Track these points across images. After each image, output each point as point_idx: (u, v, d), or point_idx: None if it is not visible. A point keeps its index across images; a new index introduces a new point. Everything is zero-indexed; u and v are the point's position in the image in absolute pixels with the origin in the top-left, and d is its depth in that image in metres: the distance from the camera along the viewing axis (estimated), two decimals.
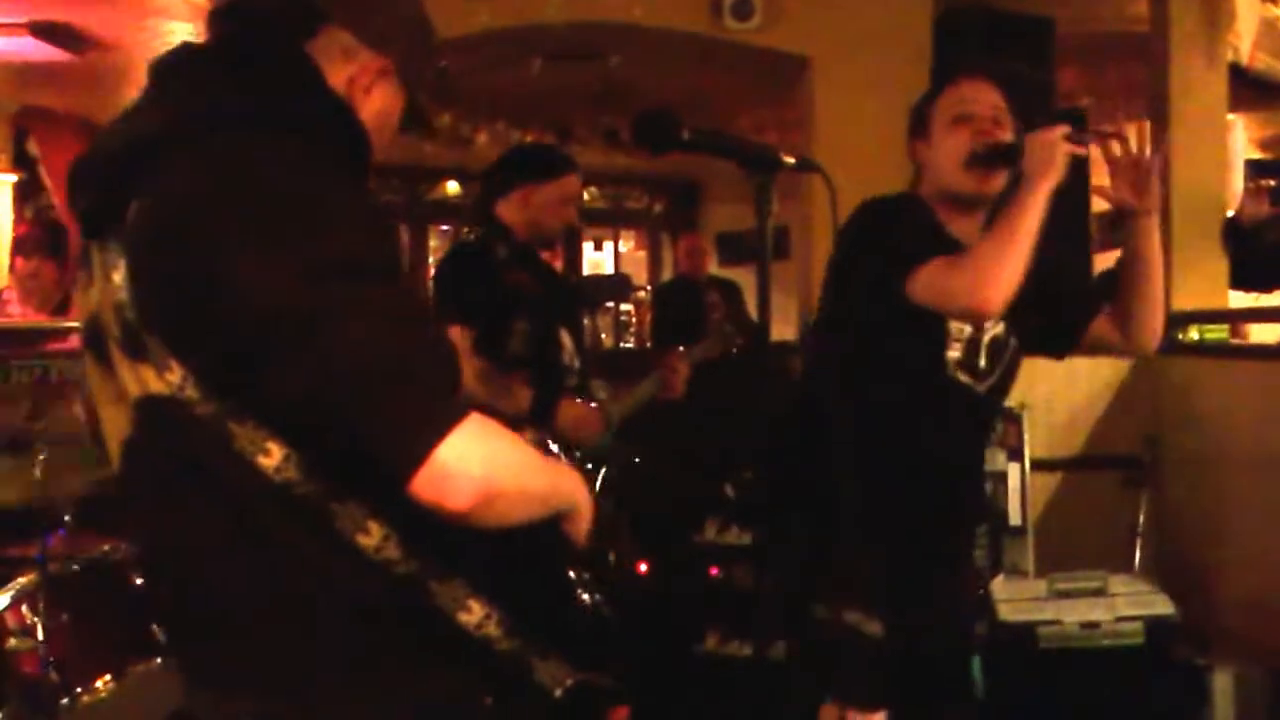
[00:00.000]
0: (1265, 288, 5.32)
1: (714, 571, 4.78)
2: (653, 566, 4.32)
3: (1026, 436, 4.32)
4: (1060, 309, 2.56)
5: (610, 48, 6.21)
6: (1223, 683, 3.61)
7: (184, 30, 6.30)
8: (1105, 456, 4.44)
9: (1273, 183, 5.24)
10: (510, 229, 3.18)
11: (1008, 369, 2.51)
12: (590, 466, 3.11)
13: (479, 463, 1.24)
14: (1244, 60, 4.78)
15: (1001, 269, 2.20)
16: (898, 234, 2.36)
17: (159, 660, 2.87)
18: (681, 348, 3.59)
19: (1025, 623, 3.57)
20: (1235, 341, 4.87)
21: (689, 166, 10.08)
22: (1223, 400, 4.12)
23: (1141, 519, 4.25)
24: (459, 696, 1.40)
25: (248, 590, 1.34)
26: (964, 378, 2.44)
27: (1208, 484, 4.13)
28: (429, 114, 1.54)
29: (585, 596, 1.53)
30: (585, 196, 11.59)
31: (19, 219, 7.81)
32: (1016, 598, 3.66)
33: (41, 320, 4.87)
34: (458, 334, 2.98)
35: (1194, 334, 4.57)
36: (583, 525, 1.44)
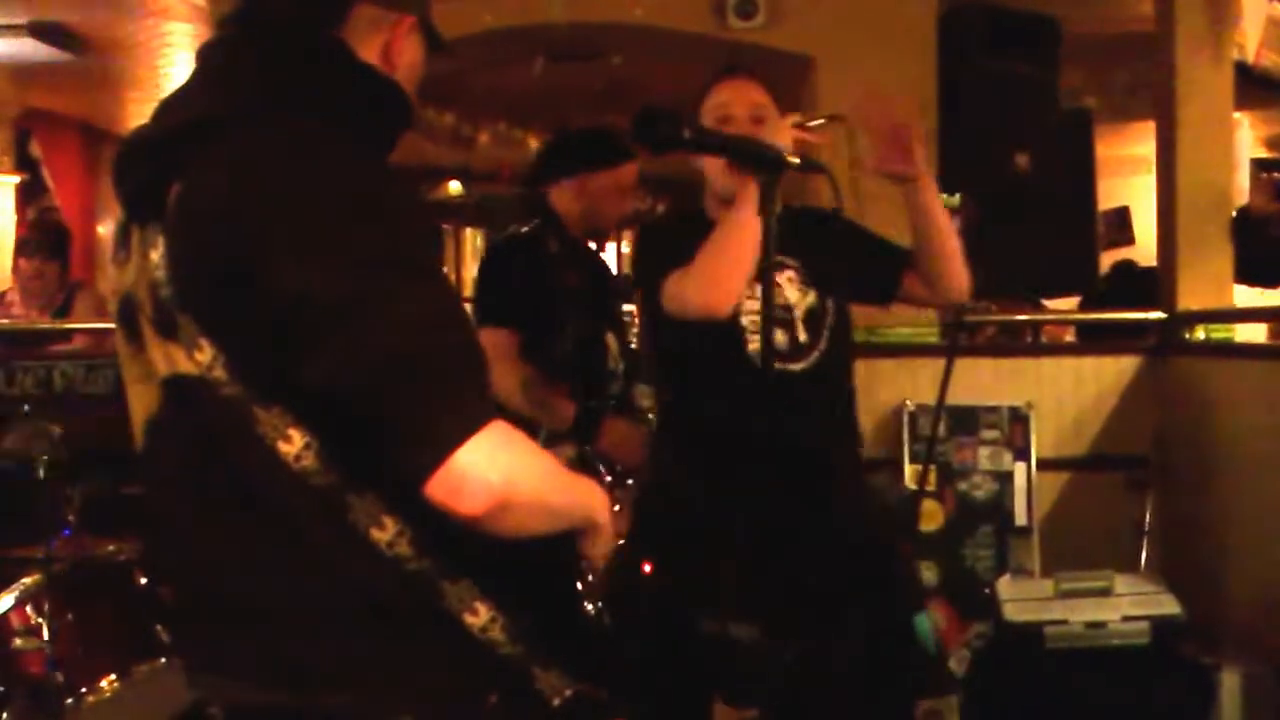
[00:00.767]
0: (1270, 283, 5.32)
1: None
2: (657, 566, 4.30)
3: (1033, 436, 4.33)
4: (870, 266, 2.62)
5: (613, 48, 6.21)
6: (1230, 682, 3.60)
7: (184, 31, 6.30)
8: (1112, 456, 4.43)
9: (1278, 176, 5.24)
10: (563, 220, 3.02)
11: (835, 333, 2.55)
12: (630, 481, 2.92)
13: (497, 470, 1.24)
14: (1250, 58, 4.77)
15: (719, 270, 2.29)
16: (650, 255, 2.53)
17: (164, 660, 2.88)
18: None
19: (1031, 622, 3.55)
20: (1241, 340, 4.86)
21: (693, 166, 10.06)
22: (1229, 399, 4.11)
23: (1148, 519, 4.25)
24: (463, 695, 1.40)
25: (257, 576, 1.35)
26: (779, 364, 2.44)
27: (1215, 483, 4.12)
28: (443, 40, 1.57)
29: (589, 607, 1.53)
30: None
31: (21, 220, 7.82)
32: (1022, 597, 3.65)
33: (44, 322, 4.88)
34: (503, 336, 2.86)
35: (1200, 333, 4.56)
36: (601, 546, 1.45)
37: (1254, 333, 4.87)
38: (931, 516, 4.26)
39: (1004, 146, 4.42)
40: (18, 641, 2.85)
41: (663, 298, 2.38)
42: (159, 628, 2.94)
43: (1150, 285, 4.90)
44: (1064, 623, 3.54)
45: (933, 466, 4.14)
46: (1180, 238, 4.57)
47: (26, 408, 3.60)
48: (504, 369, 2.76)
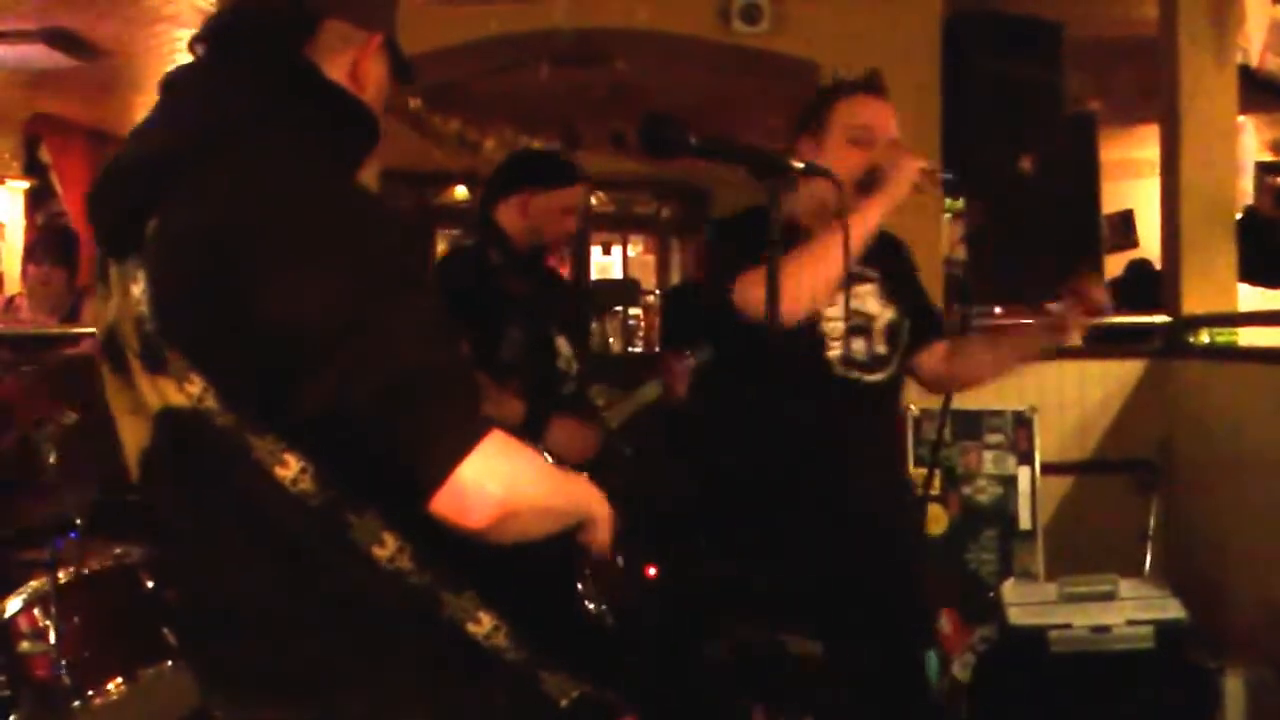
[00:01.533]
0: (1275, 284, 5.31)
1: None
2: (661, 570, 4.31)
3: (1037, 440, 4.33)
4: (920, 318, 2.65)
5: (617, 53, 6.21)
6: (1235, 686, 3.59)
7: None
8: (1116, 460, 4.43)
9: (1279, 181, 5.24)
10: (508, 234, 3.11)
11: (905, 352, 2.59)
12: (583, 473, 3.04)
13: (499, 481, 1.26)
14: (1254, 62, 4.75)
15: (802, 281, 2.24)
16: (723, 252, 2.45)
17: (170, 663, 2.88)
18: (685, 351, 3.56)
19: (1035, 626, 3.55)
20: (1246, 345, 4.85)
21: (697, 171, 10.07)
22: (1234, 403, 4.11)
23: (1152, 522, 4.24)
24: (469, 702, 1.41)
25: (264, 598, 1.36)
26: (856, 374, 2.47)
27: (1219, 487, 4.11)
28: (409, 64, 1.55)
29: (592, 608, 1.54)
30: (593, 201, 11.61)
31: (30, 225, 7.85)
32: (1026, 601, 3.64)
33: (52, 326, 4.89)
34: None
35: (1204, 337, 4.55)
36: (602, 534, 1.46)
37: (1258, 336, 4.86)
38: (936, 521, 4.27)
39: (1008, 150, 4.43)
40: (25, 644, 2.86)
41: (733, 295, 2.35)
42: (165, 630, 2.95)
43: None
44: (1068, 627, 3.53)
45: (937, 470, 4.15)
46: (1184, 241, 4.57)
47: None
48: None
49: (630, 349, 9.58)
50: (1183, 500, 4.30)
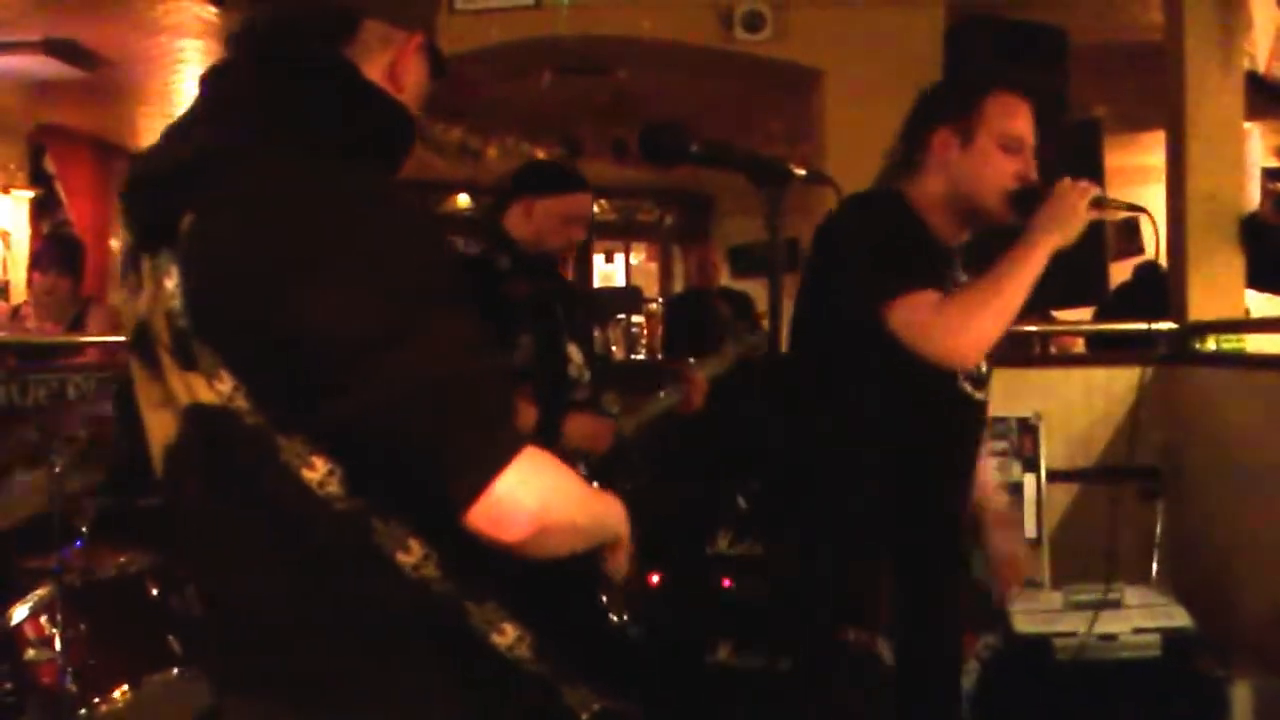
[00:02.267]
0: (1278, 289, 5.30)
1: (726, 583, 4.76)
2: (664, 578, 4.30)
3: (1042, 447, 4.31)
4: None
5: (620, 61, 6.22)
6: (1242, 695, 3.57)
7: (197, 47, 6.33)
8: (1122, 467, 4.40)
9: None
10: (515, 240, 3.12)
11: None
12: (596, 484, 3.03)
13: (535, 496, 1.26)
14: (1260, 68, 4.76)
15: (987, 321, 2.17)
16: (890, 250, 2.27)
17: (176, 670, 2.89)
18: (692, 360, 3.56)
19: (1040, 635, 3.53)
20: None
21: (700, 179, 10.09)
22: (1240, 410, 4.10)
23: (1159, 530, 4.22)
24: (491, 713, 1.40)
25: (285, 600, 1.35)
26: (968, 388, 2.42)
27: (1226, 494, 4.10)
28: (446, 62, 1.53)
29: (616, 620, 1.54)
30: (596, 209, 11.61)
31: (36, 235, 7.87)
32: (1031, 609, 3.62)
33: (58, 335, 4.90)
34: None
35: (1211, 344, 4.54)
36: (623, 556, 1.45)
37: (1265, 342, 4.85)
38: None
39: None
40: (31, 652, 2.87)
41: (894, 315, 2.18)
42: (171, 638, 2.95)
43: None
44: (1073, 635, 3.50)
45: None
46: (1190, 248, 4.56)
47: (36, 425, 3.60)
48: None
49: (633, 357, 9.57)
50: (1189, 507, 4.29)
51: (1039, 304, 5.24)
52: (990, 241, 2.38)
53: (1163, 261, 4.47)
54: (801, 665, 2.34)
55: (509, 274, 3.07)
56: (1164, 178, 4.79)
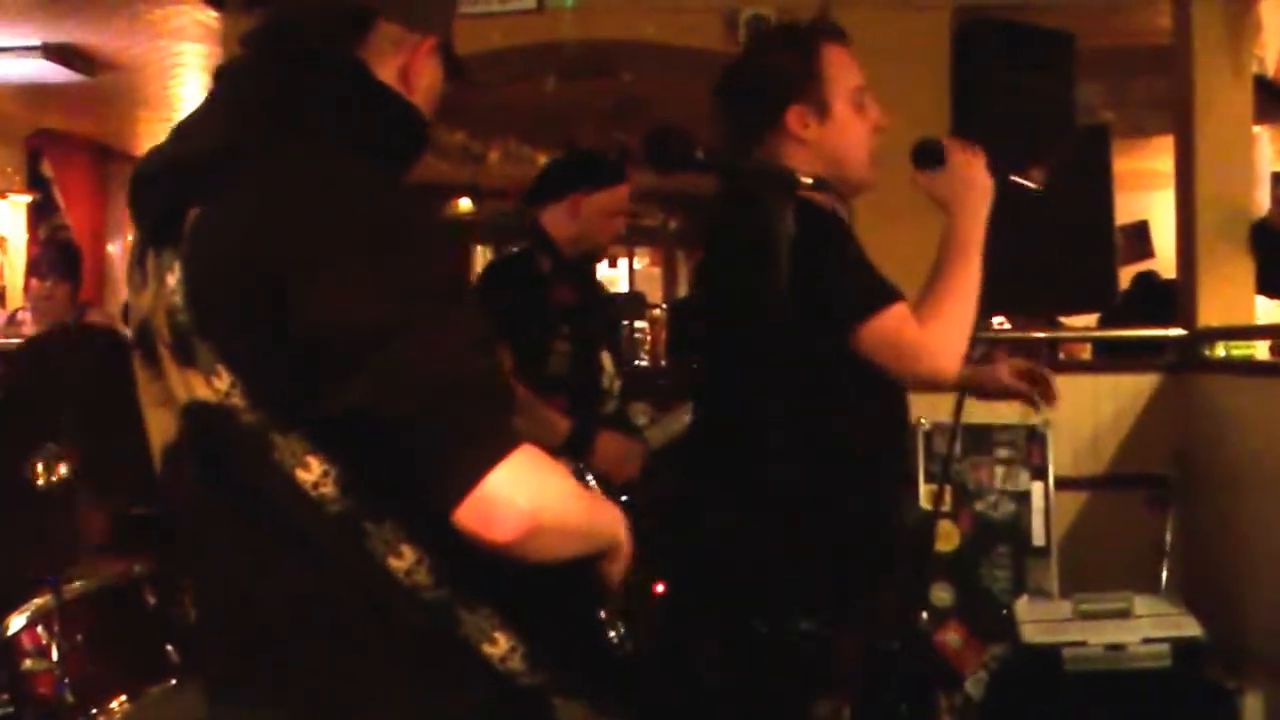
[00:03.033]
0: None
1: None
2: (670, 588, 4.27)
3: (1050, 455, 4.29)
4: None
5: (624, 65, 6.21)
6: (1254, 705, 3.57)
7: (197, 52, 6.32)
8: (1131, 475, 4.40)
9: None
10: (555, 241, 3.04)
11: None
12: (625, 497, 2.94)
13: (526, 496, 1.24)
14: (1270, 72, 4.76)
15: (964, 334, 2.08)
16: (844, 264, 2.10)
17: (174, 681, 2.87)
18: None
19: (1049, 645, 3.52)
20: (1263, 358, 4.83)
21: (705, 183, 10.06)
22: (1251, 417, 4.08)
23: (1168, 538, 4.21)
24: None
25: (276, 603, 1.34)
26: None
27: (1236, 502, 4.08)
28: (462, 64, 1.54)
29: (613, 634, 1.51)
30: None
31: (33, 239, 7.86)
32: (1040, 619, 3.62)
33: None
34: None
35: (1220, 350, 4.52)
36: (620, 564, 1.43)
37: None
38: (948, 537, 4.23)
39: (1020, 161, 4.39)
40: (28, 662, 2.85)
41: (866, 334, 2.04)
42: (170, 648, 2.93)
43: (1170, 298, 4.87)
44: (1083, 645, 3.50)
45: (948, 486, 4.11)
46: (1200, 253, 4.55)
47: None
48: None
49: (636, 363, 9.55)
50: (1199, 516, 4.27)
51: (1046, 309, 5.24)
52: None
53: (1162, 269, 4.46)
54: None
55: (549, 277, 2.99)
56: (1173, 183, 4.77)
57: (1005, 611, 3.79)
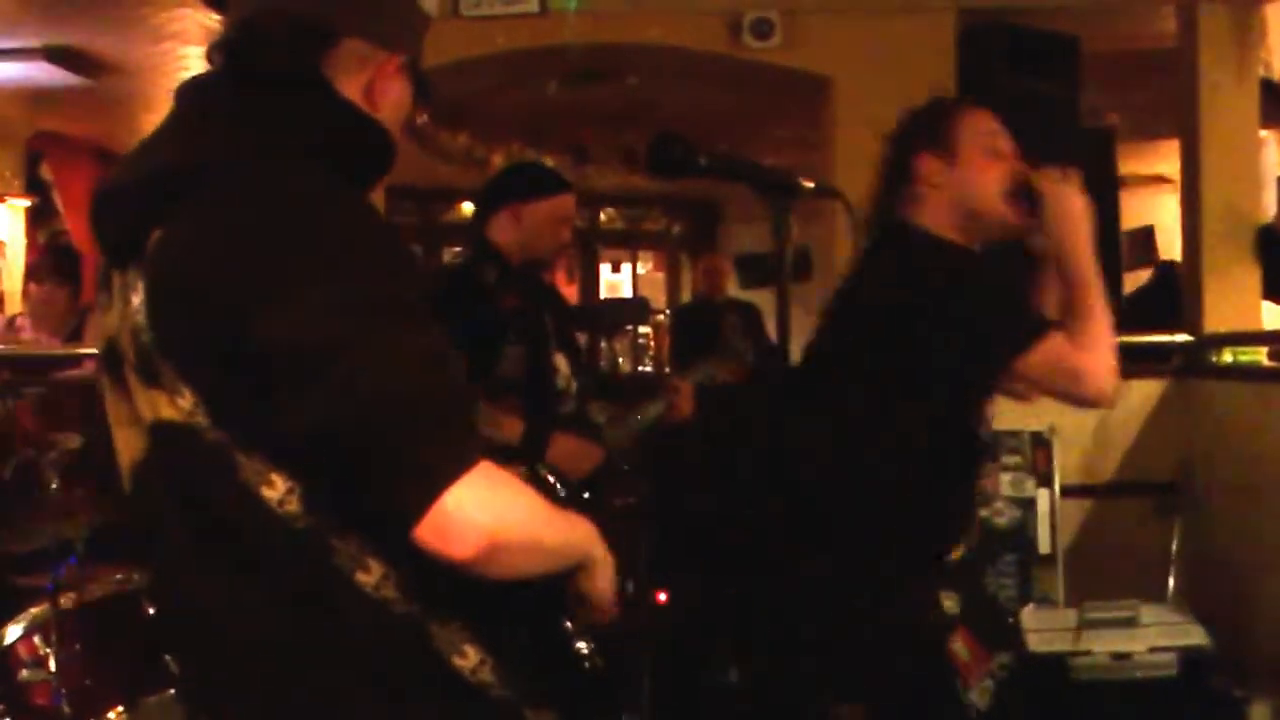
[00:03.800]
0: None
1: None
2: (672, 595, 4.26)
3: (1056, 462, 4.27)
4: None
5: (628, 68, 6.20)
6: (1260, 715, 3.55)
7: (199, 54, 6.29)
8: (1137, 482, 4.38)
9: None
10: (501, 251, 3.08)
11: None
12: (587, 495, 2.96)
13: (486, 512, 1.23)
14: (1276, 76, 4.75)
15: (1114, 351, 2.19)
16: (1005, 300, 2.27)
17: (172, 691, 2.84)
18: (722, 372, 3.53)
19: (1055, 654, 3.51)
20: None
21: (708, 187, 10.07)
22: (1258, 423, 4.05)
23: (1175, 546, 4.19)
24: None
25: (247, 621, 1.34)
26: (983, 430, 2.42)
27: (1243, 509, 4.06)
28: (431, 88, 1.54)
29: (581, 647, 1.51)
30: (603, 217, 11.60)
31: (32, 244, 7.84)
32: (1046, 628, 3.60)
33: (55, 346, 4.86)
34: None
35: (1228, 356, 4.50)
36: (601, 579, 1.43)
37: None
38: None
39: (1025, 165, 4.37)
40: (24, 673, 2.84)
41: (1031, 360, 2.17)
42: (167, 658, 2.91)
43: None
44: (1089, 654, 3.49)
45: None
46: (1206, 258, 4.54)
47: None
48: None
49: (640, 368, 9.54)
50: (1206, 523, 4.25)
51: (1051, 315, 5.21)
52: None
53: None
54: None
55: (496, 286, 3.03)
56: (1178, 187, 4.76)
57: (1011, 620, 3.76)
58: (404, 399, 1.22)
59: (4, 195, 7.79)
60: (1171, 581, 4.14)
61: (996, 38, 4.89)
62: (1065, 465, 4.29)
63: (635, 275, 12.20)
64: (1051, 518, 4.23)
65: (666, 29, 5.07)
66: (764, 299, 7.54)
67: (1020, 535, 4.22)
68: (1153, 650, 3.48)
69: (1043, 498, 4.25)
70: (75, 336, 4.95)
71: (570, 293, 10.80)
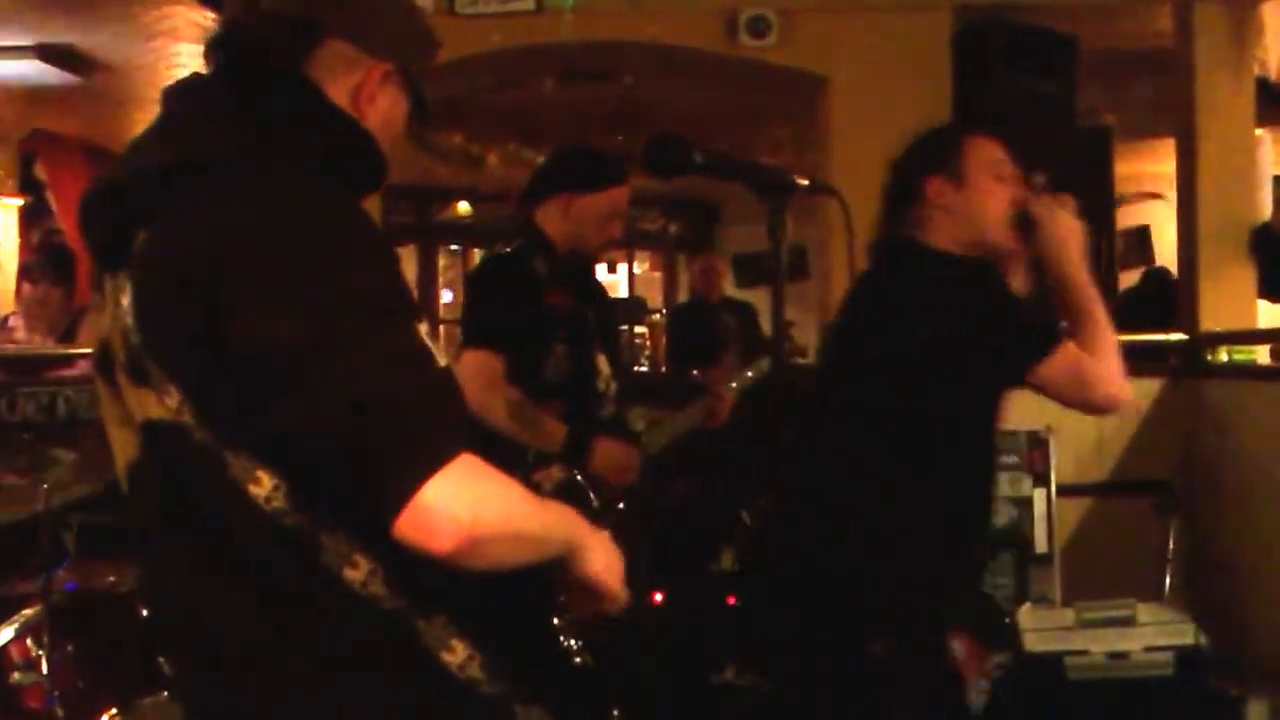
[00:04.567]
0: None
1: (731, 601, 4.71)
2: (668, 596, 4.25)
3: (1053, 461, 4.26)
4: None
5: (624, 67, 6.19)
6: (1257, 714, 3.54)
7: (193, 52, 6.29)
8: (1134, 482, 4.38)
9: None
10: (550, 241, 2.95)
11: None
12: (621, 505, 2.91)
13: (465, 505, 1.24)
14: (1272, 75, 4.76)
15: (1119, 358, 2.29)
16: (1014, 310, 2.36)
17: (166, 693, 2.84)
18: (718, 372, 3.50)
19: (1052, 653, 3.49)
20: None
21: (705, 187, 10.06)
22: (1254, 422, 4.06)
23: (1171, 546, 4.18)
24: None
25: (237, 619, 1.34)
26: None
27: (1240, 509, 4.06)
28: (430, 107, 1.54)
29: (568, 643, 1.50)
30: None
31: (25, 243, 7.81)
32: (1043, 627, 3.59)
33: (48, 347, 4.84)
34: (488, 359, 2.82)
35: (1223, 355, 4.50)
36: (596, 563, 1.42)
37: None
38: None
39: (1021, 165, 4.37)
40: (17, 675, 2.85)
41: (1046, 369, 2.26)
42: (161, 659, 2.90)
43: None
44: (1085, 653, 3.47)
45: None
46: (1202, 258, 4.54)
47: (28, 435, 3.56)
48: (490, 392, 2.77)
49: (635, 368, 9.53)
50: (1202, 523, 4.25)
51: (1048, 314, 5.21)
52: None
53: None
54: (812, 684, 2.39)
55: (546, 279, 2.90)
56: (1174, 186, 4.76)
57: (1007, 619, 3.76)
58: (383, 397, 1.23)
59: None
60: (1168, 581, 4.12)
61: (993, 36, 4.89)
62: (1061, 465, 4.28)
63: (631, 275, 12.19)
64: (1048, 517, 4.22)
65: (663, 27, 5.06)
66: (760, 298, 7.54)
67: (1017, 534, 4.22)
68: (1149, 649, 3.46)
69: (1039, 497, 4.25)
70: (68, 337, 4.91)
71: None
